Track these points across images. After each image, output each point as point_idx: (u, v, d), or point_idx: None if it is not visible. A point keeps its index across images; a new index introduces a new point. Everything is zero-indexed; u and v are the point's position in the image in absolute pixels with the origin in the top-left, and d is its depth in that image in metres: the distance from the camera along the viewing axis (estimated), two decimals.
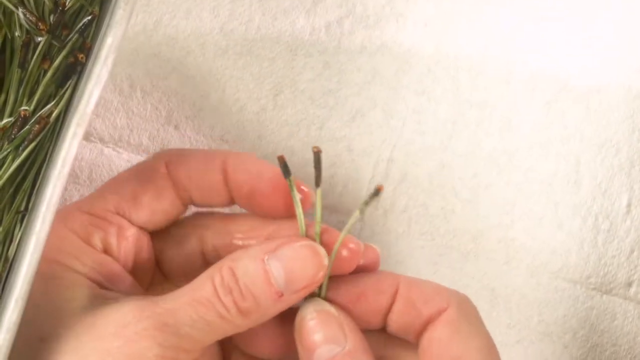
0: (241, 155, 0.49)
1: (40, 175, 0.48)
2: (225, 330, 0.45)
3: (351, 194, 0.59)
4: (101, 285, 0.46)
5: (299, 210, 0.47)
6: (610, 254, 0.60)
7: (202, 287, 0.45)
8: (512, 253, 0.60)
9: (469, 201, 0.60)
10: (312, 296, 0.48)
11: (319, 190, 0.48)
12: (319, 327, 0.46)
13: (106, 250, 0.47)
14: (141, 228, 0.49)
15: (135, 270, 0.49)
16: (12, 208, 0.48)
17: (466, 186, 0.60)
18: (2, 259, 0.47)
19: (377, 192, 0.47)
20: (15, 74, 0.49)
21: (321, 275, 0.46)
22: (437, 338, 0.46)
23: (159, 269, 0.51)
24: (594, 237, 0.60)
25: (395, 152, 0.60)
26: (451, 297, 0.47)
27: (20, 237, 0.47)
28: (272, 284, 0.45)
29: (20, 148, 0.48)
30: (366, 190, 0.60)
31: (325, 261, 0.46)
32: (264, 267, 0.45)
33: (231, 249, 0.48)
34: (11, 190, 0.48)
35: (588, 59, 0.62)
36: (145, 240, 0.49)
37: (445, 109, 0.61)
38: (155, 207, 0.48)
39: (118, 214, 0.48)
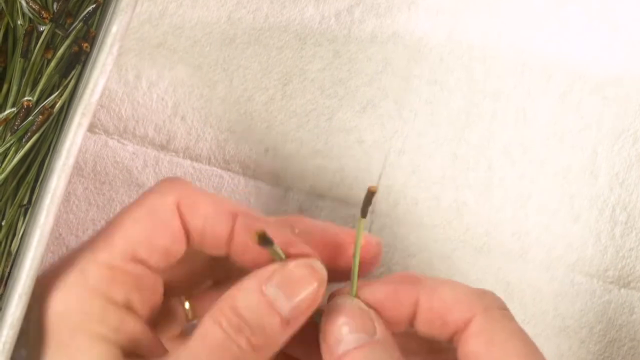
0: (249, 219, 0.47)
1: (44, 168, 0.48)
2: None
3: (361, 187, 0.58)
4: (125, 346, 0.45)
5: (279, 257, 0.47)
6: (628, 246, 0.60)
7: (212, 335, 0.44)
8: (526, 246, 0.59)
9: (483, 194, 0.59)
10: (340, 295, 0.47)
11: (362, 220, 0.47)
12: (346, 319, 0.45)
13: (127, 304, 0.46)
14: (154, 270, 0.48)
15: (151, 314, 0.48)
16: (15, 201, 0.48)
17: (480, 178, 0.60)
18: (5, 254, 0.47)
19: (370, 194, 0.46)
20: (17, 63, 0.49)
21: (323, 290, 0.45)
22: (474, 352, 0.44)
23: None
24: (611, 229, 0.60)
25: (407, 143, 0.59)
26: (475, 303, 0.45)
27: (24, 231, 0.47)
28: (277, 312, 0.44)
29: (24, 140, 0.48)
30: (377, 182, 0.59)
31: (324, 274, 0.46)
32: (266, 298, 0.44)
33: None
34: (14, 183, 0.48)
35: (604, 47, 0.61)
36: (159, 280, 0.48)
37: (458, 99, 0.60)
38: (170, 249, 0.47)
39: (136, 261, 0.46)
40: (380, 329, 0.45)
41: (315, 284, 0.45)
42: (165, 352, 0.46)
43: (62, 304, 0.44)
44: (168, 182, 0.48)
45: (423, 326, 0.46)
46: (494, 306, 0.45)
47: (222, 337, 0.43)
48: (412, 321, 0.46)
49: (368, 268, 0.48)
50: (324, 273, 0.46)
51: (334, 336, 0.45)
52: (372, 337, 0.45)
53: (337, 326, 0.45)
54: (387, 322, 0.46)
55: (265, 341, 0.44)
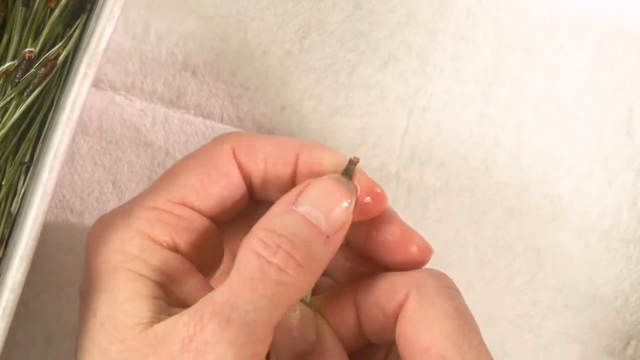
0: (315, 151, 0.47)
1: (47, 123, 0.48)
2: (290, 297, 0.42)
3: (385, 146, 0.58)
4: (167, 288, 0.44)
5: None
6: None
7: (245, 264, 0.42)
8: (558, 210, 0.59)
9: (512, 154, 0.59)
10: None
11: None
12: (291, 329, 0.46)
13: (175, 247, 0.45)
14: (210, 219, 0.47)
15: (203, 262, 0.47)
16: (16, 159, 0.47)
17: (509, 138, 0.59)
18: (5, 215, 0.47)
19: (352, 163, 0.46)
20: (19, 12, 0.48)
21: (354, 205, 0.45)
22: (404, 333, 0.44)
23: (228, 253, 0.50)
24: None
25: (432, 101, 0.59)
26: (409, 283, 0.45)
27: (25, 191, 0.47)
28: (315, 224, 0.43)
29: (25, 93, 0.47)
30: (400, 143, 0.59)
31: (353, 188, 0.45)
32: (299, 214, 0.43)
33: None
34: (15, 139, 0.48)
35: None
36: (214, 232, 0.47)
37: (486, 54, 0.59)
38: (224, 196, 0.46)
39: (185, 205, 0.46)
40: (324, 339, 0.46)
41: (345, 196, 0.44)
42: None
43: (104, 244, 0.44)
44: (224, 134, 0.48)
45: (370, 326, 0.46)
46: (427, 283, 0.45)
47: (257, 264, 0.42)
48: (360, 328, 0.47)
49: (364, 215, 0.47)
50: (352, 186, 0.45)
51: (281, 344, 0.45)
52: (311, 346, 0.45)
53: (282, 335, 0.46)
54: (337, 327, 0.47)
55: (309, 256, 0.42)
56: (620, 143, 0.60)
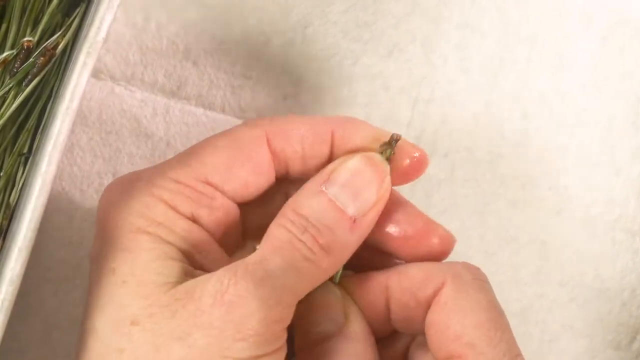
0: (350, 125, 0.47)
1: (46, 114, 0.47)
2: (315, 276, 0.44)
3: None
4: (190, 256, 0.45)
5: None
6: None
7: (276, 235, 0.44)
8: (564, 202, 0.59)
9: (518, 145, 0.59)
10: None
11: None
12: (318, 308, 0.46)
13: (195, 220, 0.46)
14: (231, 200, 0.47)
15: (222, 240, 0.47)
16: (15, 150, 0.47)
17: (514, 128, 0.59)
18: (4, 206, 0.46)
19: (394, 141, 0.47)
20: (17, 1, 0.48)
21: (387, 185, 0.45)
22: (436, 321, 0.45)
23: (243, 235, 0.50)
24: None
25: (436, 91, 0.58)
26: (445, 272, 0.45)
27: (24, 182, 0.46)
28: (341, 209, 0.44)
29: (24, 83, 0.47)
30: (404, 133, 0.57)
31: (386, 168, 0.46)
32: (327, 197, 0.44)
33: None
34: (13, 130, 0.47)
35: None
36: (234, 210, 0.47)
37: (491, 43, 0.59)
38: (249, 181, 0.47)
39: (208, 184, 0.46)
40: (352, 321, 0.46)
41: (377, 178, 0.45)
42: None
43: (124, 207, 0.44)
44: (255, 118, 0.50)
45: (399, 312, 0.46)
46: (463, 274, 0.45)
47: (287, 236, 0.43)
48: (388, 316, 0.47)
49: (404, 179, 0.47)
50: (386, 166, 0.46)
51: (308, 323, 0.46)
52: (339, 328, 0.45)
53: (310, 314, 0.46)
54: (365, 311, 0.47)
55: (333, 241, 0.44)
56: (627, 133, 0.59)
